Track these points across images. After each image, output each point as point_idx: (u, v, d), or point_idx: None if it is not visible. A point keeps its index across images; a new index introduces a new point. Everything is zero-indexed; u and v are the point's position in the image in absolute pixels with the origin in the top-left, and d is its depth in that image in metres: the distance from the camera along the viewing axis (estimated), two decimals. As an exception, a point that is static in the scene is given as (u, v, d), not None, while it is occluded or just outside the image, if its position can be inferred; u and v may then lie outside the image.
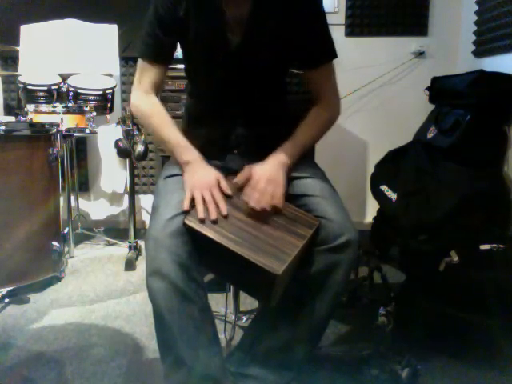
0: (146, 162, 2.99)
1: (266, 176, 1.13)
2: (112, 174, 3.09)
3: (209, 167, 1.17)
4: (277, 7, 1.18)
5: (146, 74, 1.28)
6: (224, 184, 1.13)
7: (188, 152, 1.19)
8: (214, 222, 1.06)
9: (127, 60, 2.94)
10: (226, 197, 1.12)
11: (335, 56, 1.28)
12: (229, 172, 1.20)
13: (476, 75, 1.74)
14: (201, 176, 1.13)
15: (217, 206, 1.09)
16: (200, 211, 1.07)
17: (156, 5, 1.21)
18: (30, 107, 2.33)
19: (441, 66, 2.73)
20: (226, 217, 1.08)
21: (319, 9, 1.27)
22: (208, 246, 1.06)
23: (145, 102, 1.28)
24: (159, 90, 1.31)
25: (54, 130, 2.10)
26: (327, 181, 1.27)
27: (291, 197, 1.18)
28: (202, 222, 1.06)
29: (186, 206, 1.08)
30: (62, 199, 2.30)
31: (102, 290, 2.16)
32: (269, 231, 1.08)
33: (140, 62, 1.28)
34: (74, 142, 2.78)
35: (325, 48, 1.27)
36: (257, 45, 1.21)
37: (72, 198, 2.73)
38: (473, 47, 2.53)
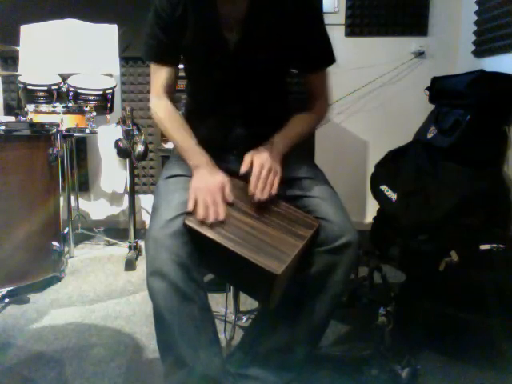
0: (146, 162, 2.99)
1: (267, 165, 1.14)
2: (112, 174, 3.09)
3: (216, 171, 1.18)
4: (274, 7, 1.18)
5: (156, 78, 1.30)
6: (227, 191, 1.14)
7: (197, 156, 1.20)
8: (212, 224, 1.07)
9: (127, 60, 2.94)
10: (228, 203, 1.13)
11: (333, 61, 1.29)
12: (228, 173, 1.20)
13: (476, 75, 1.74)
14: (206, 180, 1.14)
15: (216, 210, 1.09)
16: (199, 213, 1.07)
17: (156, 6, 1.22)
18: (30, 107, 2.33)
19: (441, 65, 2.73)
20: (222, 222, 1.08)
21: (317, 12, 1.27)
22: (208, 246, 1.06)
23: (158, 106, 1.30)
24: (171, 91, 1.32)
25: (54, 130, 2.09)
26: (327, 182, 1.27)
27: (291, 198, 1.19)
28: (203, 222, 1.07)
29: (191, 206, 1.09)
30: (61, 199, 2.29)
31: (102, 290, 2.16)
32: (269, 232, 1.08)
33: (151, 66, 1.30)
34: (74, 142, 2.79)
35: (324, 53, 1.28)
36: (254, 45, 1.21)
37: (72, 198, 2.73)
38: (473, 47, 2.52)
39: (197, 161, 1.20)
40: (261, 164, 1.14)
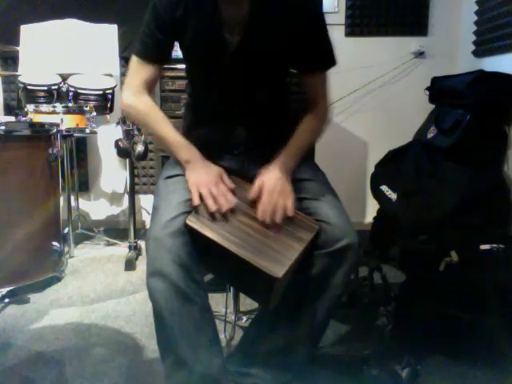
0: (146, 161, 2.99)
1: (278, 188, 1.13)
2: (112, 174, 3.09)
3: (210, 164, 1.18)
4: (276, 9, 1.18)
5: (139, 73, 1.26)
6: (227, 179, 1.14)
7: (187, 150, 1.19)
8: (213, 225, 1.06)
9: (127, 60, 2.93)
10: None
11: (335, 63, 1.28)
12: (229, 173, 1.20)
13: (476, 75, 1.74)
14: (204, 173, 1.14)
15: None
16: (211, 205, 1.07)
17: (154, 4, 1.20)
18: (30, 107, 2.33)
19: (441, 66, 2.73)
20: (233, 210, 1.08)
21: (319, 13, 1.27)
22: (208, 246, 1.06)
23: (138, 100, 1.26)
24: (152, 89, 1.30)
25: (54, 130, 2.09)
26: (328, 183, 1.27)
27: None
28: (213, 216, 1.07)
29: (197, 201, 1.08)
30: (62, 199, 2.30)
31: (101, 290, 2.16)
32: (269, 234, 1.08)
33: (134, 60, 1.26)
34: (74, 142, 2.78)
35: (325, 55, 1.27)
36: (256, 46, 1.20)
37: (72, 198, 2.73)
38: (473, 47, 2.53)
39: (188, 155, 1.19)
40: (271, 190, 1.12)
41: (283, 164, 1.19)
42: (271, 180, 1.14)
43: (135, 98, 1.26)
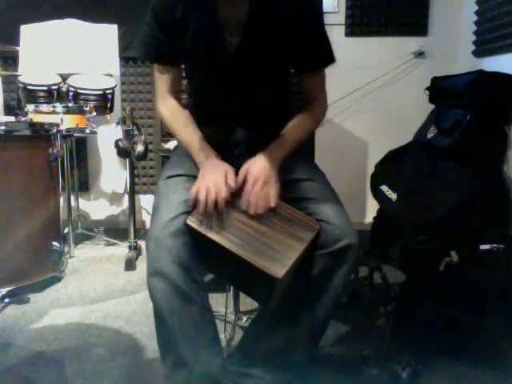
0: (146, 161, 2.99)
1: (262, 177, 1.13)
2: (112, 174, 3.09)
3: (219, 163, 1.17)
4: (275, 8, 1.18)
5: (161, 79, 1.30)
6: (231, 177, 1.13)
7: (201, 153, 1.21)
8: (213, 225, 1.06)
9: (127, 60, 2.94)
10: (232, 195, 1.12)
11: (333, 61, 1.29)
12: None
13: (476, 75, 1.74)
14: (209, 175, 1.14)
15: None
16: (201, 207, 1.07)
17: (154, 6, 1.20)
18: (30, 107, 2.33)
19: (441, 66, 2.73)
20: (223, 222, 1.07)
21: (317, 12, 1.27)
22: (209, 246, 1.06)
23: (162, 105, 1.31)
24: (176, 90, 1.32)
25: (54, 130, 2.09)
26: (328, 183, 1.27)
27: (292, 200, 1.18)
28: (203, 218, 1.06)
29: (192, 195, 1.09)
30: (61, 199, 2.30)
31: (101, 290, 2.16)
32: (270, 234, 1.08)
33: (155, 67, 1.30)
34: (74, 142, 2.78)
35: (324, 52, 1.27)
36: (255, 46, 1.21)
37: (72, 198, 2.73)
38: (473, 47, 2.53)
39: (199, 158, 1.20)
40: (255, 178, 1.13)
41: (270, 154, 1.19)
42: (256, 169, 1.15)
43: (160, 103, 1.31)
